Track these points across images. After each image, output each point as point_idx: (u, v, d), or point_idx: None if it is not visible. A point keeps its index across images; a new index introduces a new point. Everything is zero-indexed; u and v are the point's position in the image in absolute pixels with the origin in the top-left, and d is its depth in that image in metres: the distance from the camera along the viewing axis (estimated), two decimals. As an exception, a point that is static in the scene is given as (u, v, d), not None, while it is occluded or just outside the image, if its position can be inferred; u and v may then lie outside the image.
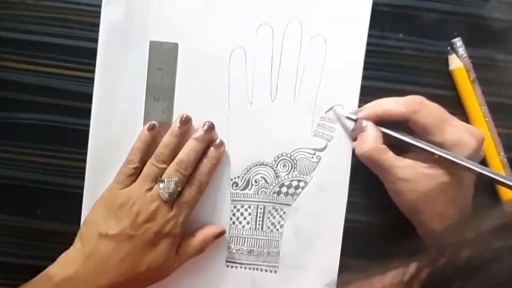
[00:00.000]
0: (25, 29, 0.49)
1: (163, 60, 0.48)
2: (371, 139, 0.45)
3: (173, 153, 0.47)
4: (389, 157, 0.45)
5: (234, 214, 0.49)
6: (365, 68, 0.49)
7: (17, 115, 0.50)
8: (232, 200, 0.49)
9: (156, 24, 0.48)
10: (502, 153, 0.49)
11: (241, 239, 0.49)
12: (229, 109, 0.49)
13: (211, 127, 0.48)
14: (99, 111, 0.49)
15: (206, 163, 0.47)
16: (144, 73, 0.49)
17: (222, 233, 0.49)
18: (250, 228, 0.49)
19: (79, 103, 0.49)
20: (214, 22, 0.48)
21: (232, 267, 0.49)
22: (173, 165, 0.46)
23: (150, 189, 0.46)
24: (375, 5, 0.49)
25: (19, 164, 0.50)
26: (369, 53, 0.49)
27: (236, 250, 0.49)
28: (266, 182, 0.49)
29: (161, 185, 0.46)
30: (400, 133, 0.46)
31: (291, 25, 0.48)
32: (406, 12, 0.49)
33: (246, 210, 0.49)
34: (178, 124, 0.47)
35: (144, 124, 0.48)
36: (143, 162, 0.47)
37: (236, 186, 0.49)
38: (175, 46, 0.48)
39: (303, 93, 0.49)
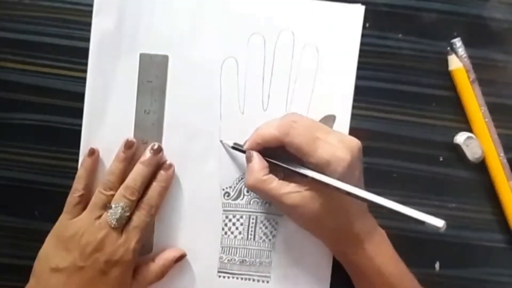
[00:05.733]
0: (23, 29, 0.49)
1: (153, 73, 0.48)
2: (255, 171, 0.45)
3: (120, 179, 0.47)
4: (274, 186, 0.44)
5: (226, 224, 0.49)
6: (364, 69, 0.49)
7: (14, 115, 0.50)
8: (224, 210, 0.49)
9: (147, 36, 0.48)
10: (502, 154, 0.49)
11: (233, 249, 0.49)
12: (220, 119, 0.49)
13: (158, 150, 0.47)
14: (90, 123, 0.49)
15: (155, 186, 0.47)
16: (135, 85, 0.49)
17: (182, 257, 0.48)
18: (242, 238, 0.49)
19: (77, 104, 0.49)
20: (206, 31, 0.48)
21: (224, 277, 0.49)
22: (119, 191, 0.46)
23: (99, 217, 0.46)
24: (374, 5, 0.49)
25: (17, 165, 0.50)
26: (368, 53, 0.49)
27: (228, 260, 0.49)
28: (258, 192, 0.49)
29: (109, 211, 0.45)
30: (281, 160, 0.45)
31: (283, 35, 0.48)
32: (406, 12, 0.49)
33: (238, 220, 0.49)
34: (122, 149, 0.47)
35: (135, 136, 0.48)
36: (88, 189, 0.47)
37: (228, 196, 0.49)
38: (165, 59, 0.48)
39: (295, 103, 0.49)
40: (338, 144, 0.43)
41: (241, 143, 0.48)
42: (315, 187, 0.43)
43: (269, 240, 0.49)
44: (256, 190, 0.45)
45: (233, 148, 0.48)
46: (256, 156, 0.45)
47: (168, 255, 0.48)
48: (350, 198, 0.42)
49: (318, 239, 0.47)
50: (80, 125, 0.49)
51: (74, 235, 0.45)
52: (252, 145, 0.46)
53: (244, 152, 0.47)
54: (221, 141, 0.49)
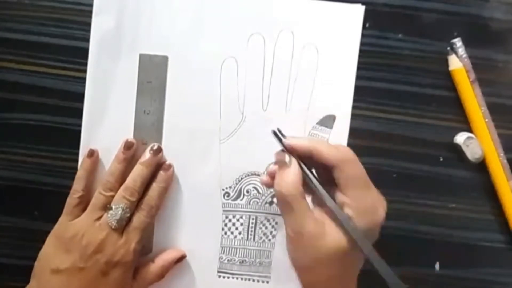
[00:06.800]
0: (22, 29, 0.49)
1: (153, 73, 0.48)
2: (293, 181, 0.40)
3: (119, 180, 0.47)
4: (303, 206, 0.40)
5: (226, 224, 0.49)
6: (364, 69, 0.49)
7: (14, 116, 0.50)
8: (224, 210, 0.49)
9: (146, 36, 0.48)
10: (502, 154, 0.49)
11: (233, 249, 0.49)
12: (220, 119, 0.49)
13: (157, 151, 0.47)
14: (90, 123, 0.49)
15: (155, 187, 0.47)
16: (134, 86, 0.49)
17: (182, 258, 0.48)
18: (242, 238, 0.49)
19: (77, 104, 0.49)
20: (205, 32, 0.48)
21: (224, 277, 0.49)
22: (119, 192, 0.46)
23: (99, 218, 0.46)
24: (374, 5, 0.49)
25: (16, 165, 0.50)
26: (368, 54, 0.49)
27: (228, 260, 0.49)
28: (258, 192, 0.49)
29: (109, 212, 0.45)
30: (319, 181, 0.41)
31: (282, 35, 0.48)
32: (406, 12, 0.49)
33: (238, 220, 0.49)
34: (122, 150, 0.47)
35: (134, 137, 0.48)
36: (87, 190, 0.47)
37: (227, 196, 0.49)
38: (165, 59, 0.48)
39: (295, 103, 0.49)
40: (379, 200, 0.41)
41: (242, 143, 0.48)
42: (338, 226, 0.40)
43: (269, 240, 0.49)
44: (285, 199, 0.40)
45: (273, 132, 0.42)
46: (295, 162, 0.41)
47: (168, 255, 0.48)
48: (358, 257, 0.40)
49: (304, 279, 0.43)
50: (80, 125, 0.49)
51: (74, 236, 0.45)
52: (302, 146, 0.41)
53: (280, 139, 0.42)
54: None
